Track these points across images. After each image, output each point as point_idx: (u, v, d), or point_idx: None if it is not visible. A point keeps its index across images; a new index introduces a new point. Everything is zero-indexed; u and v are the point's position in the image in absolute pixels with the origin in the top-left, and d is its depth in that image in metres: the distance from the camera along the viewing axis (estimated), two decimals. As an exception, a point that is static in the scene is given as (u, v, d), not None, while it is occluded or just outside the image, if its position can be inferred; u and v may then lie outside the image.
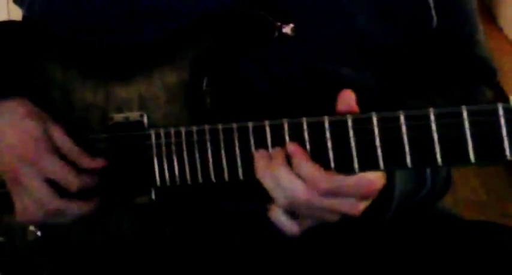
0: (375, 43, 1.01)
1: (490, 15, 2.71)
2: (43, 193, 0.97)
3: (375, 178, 0.85)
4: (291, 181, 0.84)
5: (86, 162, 0.98)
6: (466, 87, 1.10)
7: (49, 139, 0.98)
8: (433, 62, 1.08)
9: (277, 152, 0.86)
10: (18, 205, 0.99)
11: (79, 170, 0.98)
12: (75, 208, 0.98)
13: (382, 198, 0.88)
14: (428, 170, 0.97)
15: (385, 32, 1.00)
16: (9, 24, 1.12)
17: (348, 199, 0.85)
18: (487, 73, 1.14)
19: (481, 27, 1.12)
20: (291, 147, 0.85)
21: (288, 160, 0.85)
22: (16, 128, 0.98)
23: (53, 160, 0.97)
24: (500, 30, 2.69)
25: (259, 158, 0.87)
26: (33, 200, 0.97)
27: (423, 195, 0.99)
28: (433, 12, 1.02)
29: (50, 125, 0.99)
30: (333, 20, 0.99)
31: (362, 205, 0.86)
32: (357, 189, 0.84)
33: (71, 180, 0.97)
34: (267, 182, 0.86)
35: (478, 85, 1.13)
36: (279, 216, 0.88)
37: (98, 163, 0.98)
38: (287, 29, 0.92)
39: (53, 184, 0.97)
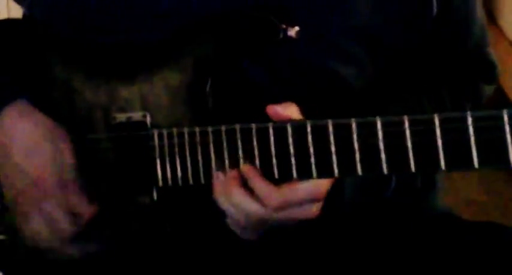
0: (377, 37, 1.00)
1: (490, 16, 2.71)
2: (42, 228, 0.97)
3: (322, 183, 0.86)
4: (245, 201, 0.87)
5: (77, 204, 0.98)
6: (459, 87, 1.10)
7: (61, 170, 0.97)
8: (431, 56, 1.08)
9: (232, 174, 0.89)
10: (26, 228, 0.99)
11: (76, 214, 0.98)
12: (69, 251, 0.99)
13: (331, 192, 0.90)
14: None
15: (387, 23, 1.00)
16: (9, 23, 1.12)
17: (300, 207, 0.87)
18: (485, 67, 1.14)
19: (483, 19, 1.12)
20: (244, 168, 0.88)
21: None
22: (30, 154, 0.97)
23: (57, 200, 0.97)
24: (500, 30, 2.69)
25: (216, 181, 0.90)
26: (32, 232, 0.98)
27: (394, 189, 0.99)
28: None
29: (64, 152, 0.98)
30: (335, 16, 0.98)
31: (315, 208, 0.88)
32: (307, 196, 0.86)
33: (64, 227, 0.97)
34: (222, 202, 0.89)
35: (474, 83, 1.12)
36: (233, 227, 0.91)
37: (89, 209, 0.98)
38: (292, 32, 0.92)
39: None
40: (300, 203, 0.87)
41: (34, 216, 0.97)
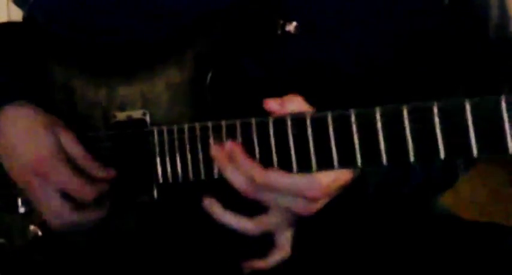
0: (381, 28, 1.00)
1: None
2: (57, 206, 0.97)
3: (320, 182, 0.86)
4: (234, 176, 0.88)
5: (99, 172, 0.98)
6: (489, 73, 1.09)
7: (62, 149, 0.98)
8: (451, 44, 1.07)
9: (219, 153, 0.89)
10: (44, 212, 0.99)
11: (91, 179, 0.98)
12: (89, 218, 0.98)
13: (354, 185, 0.90)
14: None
15: (393, 15, 0.99)
16: (9, 25, 1.12)
17: (289, 197, 0.87)
18: (506, 54, 1.13)
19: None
20: (229, 146, 0.88)
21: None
22: (29, 138, 0.98)
23: (66, 172, 0.97)
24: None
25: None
26: (48, 213, 0.98)
27: (418, 183, 0.99)
28: None
29: (62, 132, 0.98)
30: (335, 7, 0.98)
31: (313, 206, 0.88)
32: (292, 187, 0.86)
33: (86, 191, 0.97)
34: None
35: (504, 64, 1.11)
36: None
37: (109, 173, 0.98)
38: (290, 27, 0.92)
39: (68, 196, 0.97)
40: (285, 191, 0.87)
41: (42, 192, 0.97)
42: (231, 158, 0.88)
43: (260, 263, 0.95)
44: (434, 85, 1.06)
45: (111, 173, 0.99)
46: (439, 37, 1.04)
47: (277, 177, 0.86)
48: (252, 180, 0.87)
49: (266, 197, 0.88)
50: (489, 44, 1.10)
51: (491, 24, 1.09)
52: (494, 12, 1.09)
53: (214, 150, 0.90)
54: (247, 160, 0.87)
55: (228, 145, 0.89)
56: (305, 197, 0.87)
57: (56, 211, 0.97)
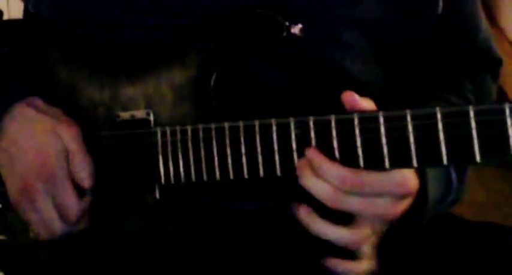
0: (383, 33, 1.01)
1: (491, 15, 2.72)
2: (49, 214, 0.97)
3: (410, 176, 0.84)
4: (316, 185, 0.84)
5: (84, 180, 0.97)
6: (472, 78, 1.10)
7: (66, 151, 0.97)
8: (439, 51, 1.08)
9: (301, 162, 0.86)
10: (30, 219, 0.98)
11: (82, 196, 0.97)
12: (73, 229, 0.98)
13: (416, 202, 0.87)
14: (454, 177, 0.96)
15: (392, 19, 1.00)
16: (12, 23, 1.12)
17: (381, 198, 0.84)
18: (492, 62, 1.14)
19: (483, 16, 1.12)
20: (310, 153, 0.85)
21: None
22: (35, 141, 0.97)
23: (64, 183, 0.96)
24: (500, 30, 2.70)
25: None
26: (38, 219, 0.97)
27: (448, 203, 0.98)
28: None
29: (63, 127, 0.98)
30: (340, 8, 0.99)
31: (401, 205, 0.85)
32: (391, 186, 0.83)
33: (72, 211, 0.96)
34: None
35: (483, 74, 1.13)
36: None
37: (85, 183, 0.97)
38: (295, 29, 0.92)
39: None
40: (376, 191, 0.83)
41: (41, 200, 0.96)
42: (311, 167, 0.84)
43: (347, 265, 0.91)
44: (418, 90, 1.08)
45: (89, 184, 0.97)
46: (430, 45, 1.05)
47: (369, 176, 0.82)
48: (338, 187, 0.83)
49: (353, 204, 0.84)
50: (476, 55, 1.11)
51: (480, 36, 1.10)
52: (483, 24, 1.10)
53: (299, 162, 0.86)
54: (333, 164, 0.83)
55: (310, 152, 0.85)
56: (395, 195, 0.84)
57: (45, 219, 0.97)
